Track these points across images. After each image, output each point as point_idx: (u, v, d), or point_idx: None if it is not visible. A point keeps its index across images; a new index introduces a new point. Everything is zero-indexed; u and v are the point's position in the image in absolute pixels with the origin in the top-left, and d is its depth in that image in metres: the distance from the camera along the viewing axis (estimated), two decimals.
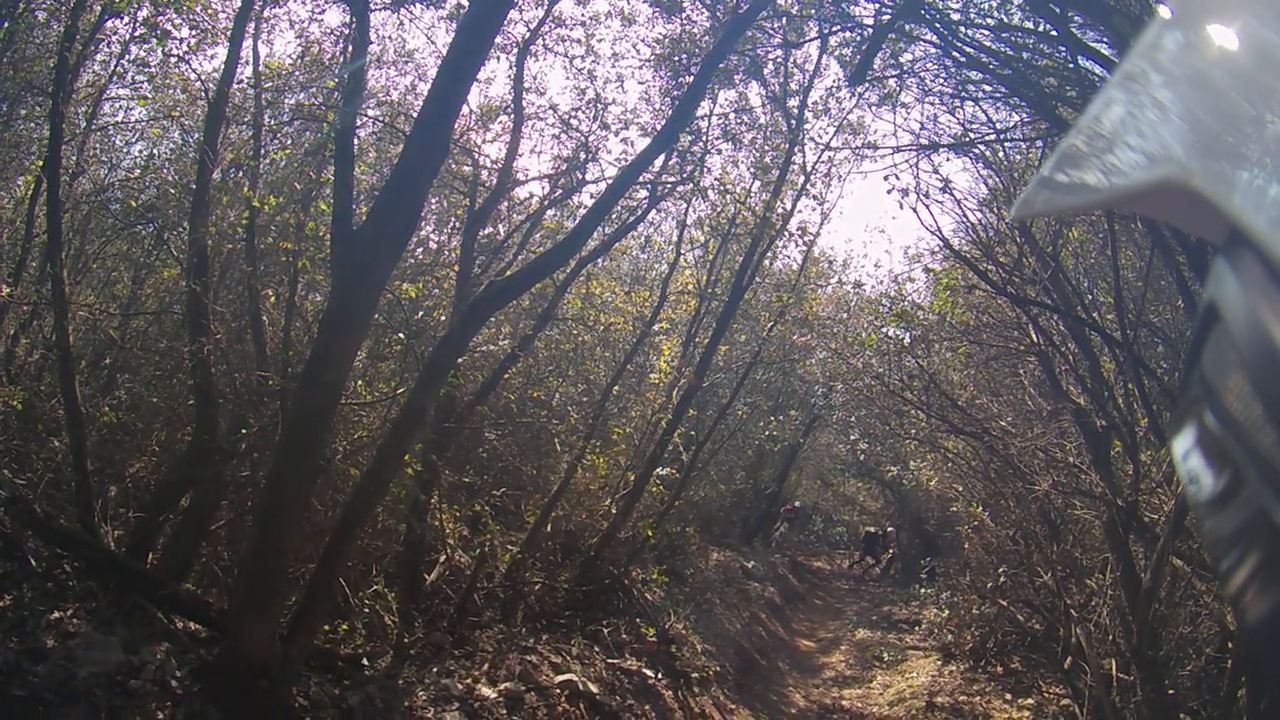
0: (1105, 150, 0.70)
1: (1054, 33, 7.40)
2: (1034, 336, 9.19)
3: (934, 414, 10.73)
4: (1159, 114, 0.67)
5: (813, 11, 10.05)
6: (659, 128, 9.87)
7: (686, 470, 13.78)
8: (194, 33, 8.69)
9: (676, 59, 11.11)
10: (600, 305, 11.61)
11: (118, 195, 10.23)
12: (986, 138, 9.31)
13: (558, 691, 8.11)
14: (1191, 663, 8.13)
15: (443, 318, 9.10)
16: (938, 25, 8.01)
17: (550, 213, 11.29)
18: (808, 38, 10.77)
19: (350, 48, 7.87)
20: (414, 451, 7.58)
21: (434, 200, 11.15)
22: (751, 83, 12.19)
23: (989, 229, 9.73)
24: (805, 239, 14.10)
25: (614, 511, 11.55)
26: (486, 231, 10.51)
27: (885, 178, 8.33)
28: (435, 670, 7.47)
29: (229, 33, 8.13)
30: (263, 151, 8.78)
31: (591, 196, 10.79)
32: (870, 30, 8.95)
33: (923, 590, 19.12)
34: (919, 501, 23.39)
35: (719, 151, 12.40)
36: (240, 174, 8.61)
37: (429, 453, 8.29)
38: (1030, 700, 11.71)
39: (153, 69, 9.72)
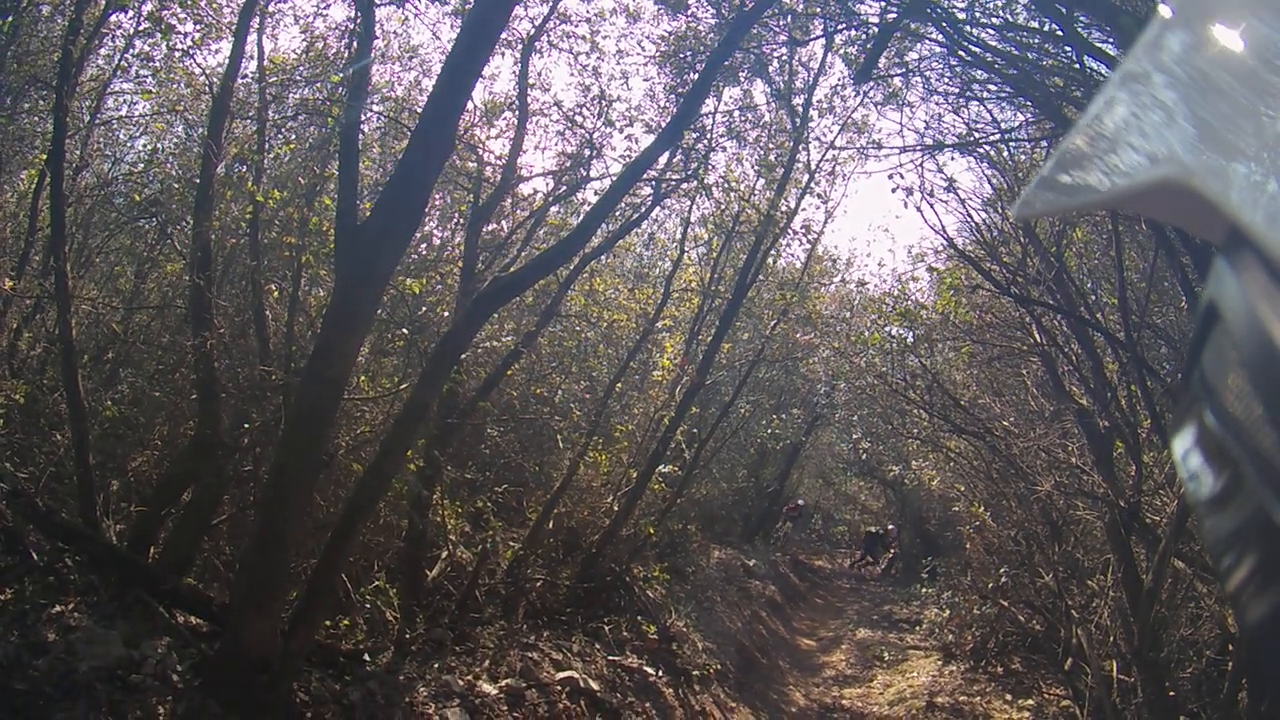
0: (1108, 151, 0.69)
1: (1060, 32, 7.38)
2: (1037, 337, 9.18)
3: (936, 413, 10.74)
4: (1161, 115, 0.66)
5: (818, 9, 10.03)
6: (664, 125, 9.86)
7: (689, 468, 13.78)
8: (198, 27, 8.71)
9: (681, 56, 11.09)
10: (604, 302, 11.60)
11: (121, 189, 10.26)
12: (991, 137, 9.31)
13: (558, 688, 8.11)
14: (1192, 665, 8.13)
15: (446, 313, 9.10)
16: (943, 24, 8.00)
17: (554, 209, 11.28)
18: (813, 36, 10.75)
19: (355, 43, 7.87)
20: (416, 447, 7.59)
21: (438, 196, 11.15)
22: (756, 80, 12.20)
23: (993, 229, 9.73)
24: (809, 237, 14.13)
25: (616, 509, 11.55)
26: (490, 227, 10.49)
27: (890, 176, 8.33)
28: (436, 666, 7.47)
29: (233, 27, 8.14)
30: (267, 146, 8.77)
31: (596, 193, 10.79)
32: (875, 29, 8.94)
33: (924, 590, 19.10)
34: (921, 501, 23.37)
35: (723, 149, 12.42)
36: (244, 169, 8.61)
37: (431, 448, 8.29)
38: (1031, 701, 11.71)
39: (157, 63, 9.74)
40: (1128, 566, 7.90)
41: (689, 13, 10.77)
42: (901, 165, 9.77)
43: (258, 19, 8.38)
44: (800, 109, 12.29)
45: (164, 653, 5.47)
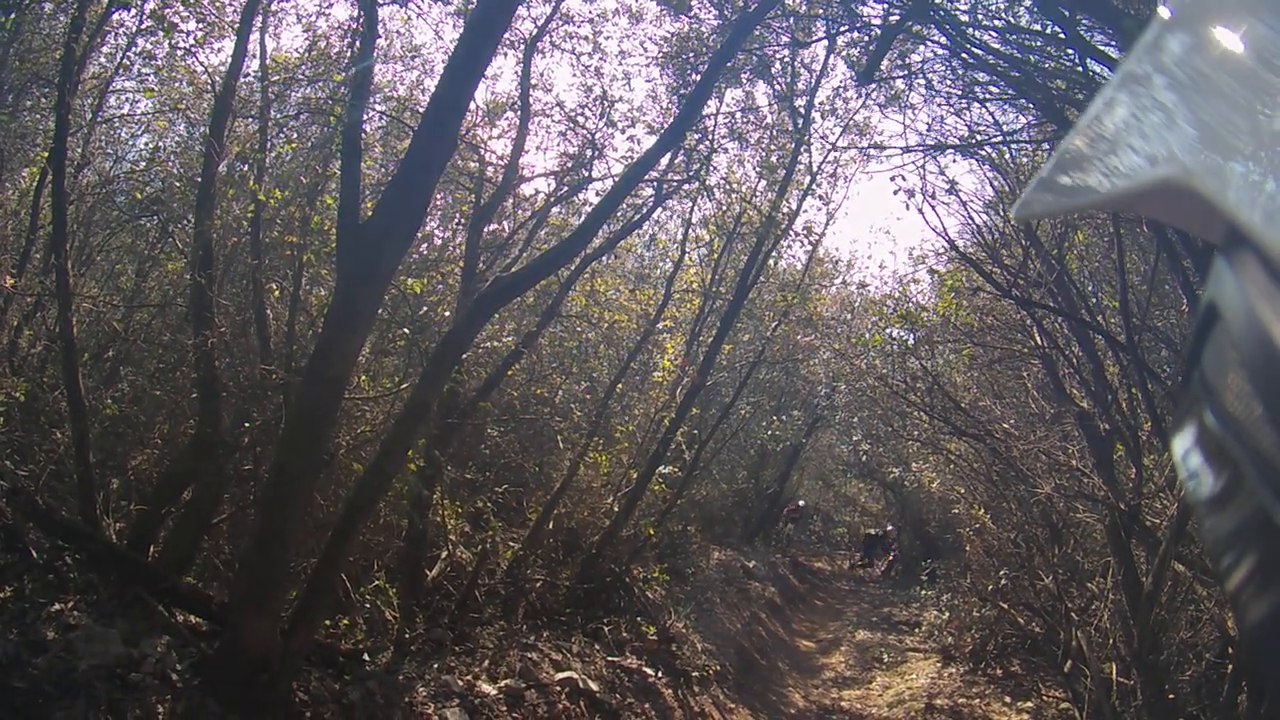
0: (1108, 152, 0.70)
1: (1062, 35, 7.37)
2: (1038, 339, 9.18)
3: (937, 416, 10.73)
4: (1162, 116, 0.66)
5: (820, 11, 10.02)
6: (666, 126, 9.86)
7: (689, 469, 13.78)
8: (201, 26, 8.70)
9: (684, 57, 11.09)
10: (605, 303, 11.59)
11: (123, 187, 10.26)
12: (993, 140, 9.31)
13: (558, 689, 8.11)
14: (1192, 668, 8.13)
15: (447, 313, 9.10)
16: (946, 26, 7.99)
17: (556, 210, 11.28)
18: (815, 37, 10.74)
19: (357, 42, 7.86)
20: (417, 447, 7.59)
21: (439, 196, 11.14)
22: (758, 82, 12.19)
23: (994, 231, 9.73)
24: (810, 239, 14.09)
25: (616, 509, 11.56)
26: (492, 228, 10.49)
27: (891, 178, 8.38)
28: (436, 666, 7.47)
29: (236, 26, 8.14)
30: (269, 145, 8.77)
31: (597, 194, 10.80)
32: (878, 31, 8.93)
33: (923, 592, 19.12)
34: (920, 503, 23.38)
35: (725, 150, 12.39)
36: (246, 167, 8.60)
37: (432, 448, 8.29)
38: (1030, 703, 11.70)
39: (159, 61, 9.74)
40: (1128, 569, 7.90)
41: (691, 14, 10.77)
42: (903, 167, 9.81)
43: (260, 18, 8.38)
44: (802, 110, 12.28)
45: (163, 651, 5.47)
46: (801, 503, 26.60)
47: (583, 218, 9.90)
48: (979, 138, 9.27)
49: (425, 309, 9.13)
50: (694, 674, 10.62)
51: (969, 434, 10.13)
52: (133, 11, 8.61)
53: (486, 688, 7.49)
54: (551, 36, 10.58)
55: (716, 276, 13.51)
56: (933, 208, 8.83)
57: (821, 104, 12.46)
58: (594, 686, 8.63)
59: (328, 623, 6.96)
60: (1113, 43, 6.81)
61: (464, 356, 8.03)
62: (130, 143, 11.36)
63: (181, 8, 8.29)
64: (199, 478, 7.10)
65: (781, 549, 23.03)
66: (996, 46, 8.04)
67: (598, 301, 11.44)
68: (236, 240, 8.67)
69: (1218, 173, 0.59)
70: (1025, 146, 9.43)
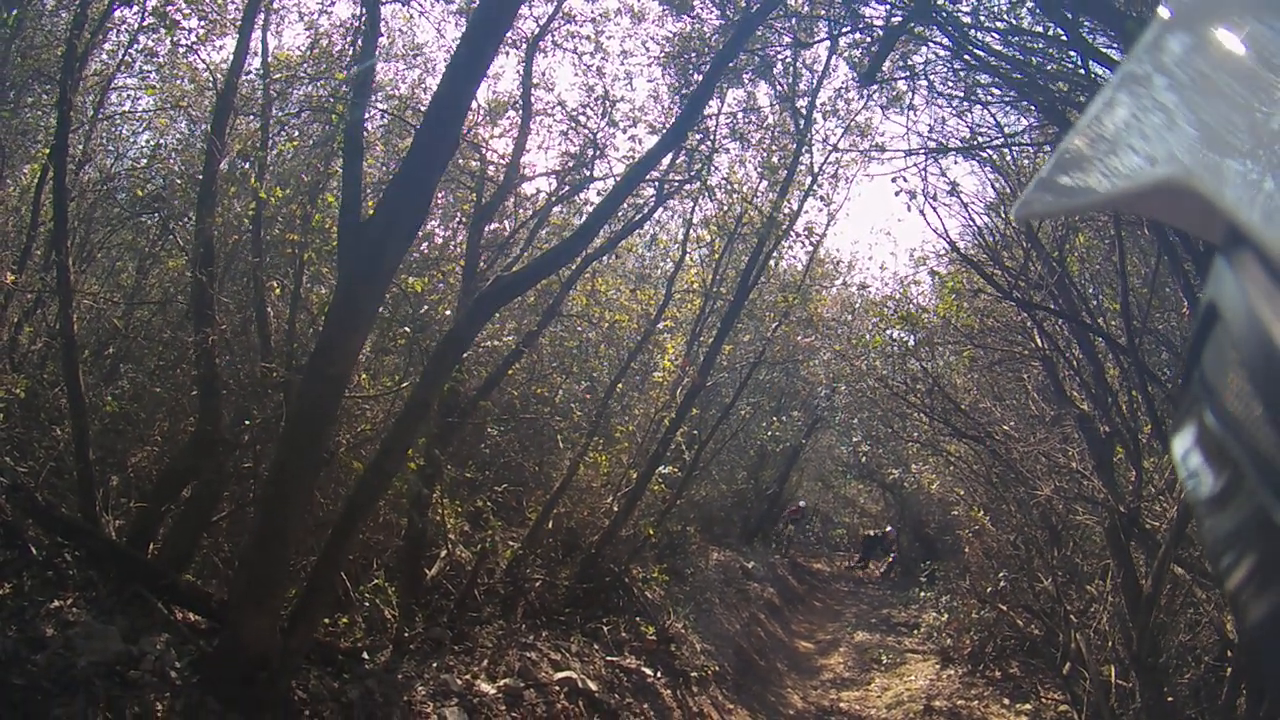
0: (1108, 153, 0.70)
1: (1064, 37, 7.36)
2: (1039, 341, 9.17)
3: (937, 417, 10.73)
4: (1162, 117, 0.66)
5: (823, 12, 10.02)
6: (667, 126, 9.86)
7: (688, 469, 13.78)
8: (203, 23, 8.69)
9: (685, 57, 11.09)
10: (605, 303, 11.58)
11: (124, 184, 10.23)
12: (995, 142, 9.30)
13: (557, 688, 8.11)
14: (1191, 670, 8.13)
15: (448, 312, 9.09)
16: (948, 28, 7.98)
17: (557, 209, 11.28)
18: (817, 38, 10.74)
19: (359, 40, 7.86)
20: (417, 446, 7.58)
21: (441, 195, 11.14)
22: (760, 82, 12.20)
23: (995, 233, 9.73)
24: (811, 240, 14.08)
25: (616, 509, 11.56)
26: (493, 227, 10.49)
27: (893, 179, 8.33)
28: (435, 665, 7.47)
29: (238, 23, 8.14)
30: (270, 143, 8.77)
31: (599, 194, 10.79)
32: (880, 32, 8.93)
33: (922, 594, 19.12)
34: (920, 505, 23.39)
35: (727, 151, 12.39)
36: (247, 165, 8.59)
37: (432, 447, 8.29)
38: (1028, 706, 11.71)
39: (161, 59, 9.73)
40: (1127, 572, 7.90)
41: (693, 14, 10.77)
42: (905, 168, 9.76)
43: (262, 15, 8.37)
44: (804, 111, 12.28)
45: (163, 649, 5.47)
46: (802, 504, 26.59)
47: (584, 217, 9.91)
48: (981, 140, 9.27)
49: (426, 308, 9.13)
50: (693, 674, 10.63)
51: (969, 436, 10.13)
52: (135, 8, 8.60)
53: (485, 687, 7.48)
54: (553, 36, 10.60)
55: (717, 277, 13.51)
56: (934, 209, 8.86)
57: (823, 105, 12.49)
58: (593, 686, 8.63)
59: (327, 621, 6.96)
60: (1115, 45, 6.80)
61: (464, 355, 8.03)
62: (132, 140, 11.35)
63: (183, 5, 8.28)
64: (199, 475, 7.09)
65: (781, 550, 23.04)
66: (999, 48, 8.04)
67: (598, 301, 11.44)
68: (238, 238, 8.66)
69: (1216, 171, 0.59)
70: (1027, 149, 9.43)
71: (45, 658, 4.88)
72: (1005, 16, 8.24)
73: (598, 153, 10.89)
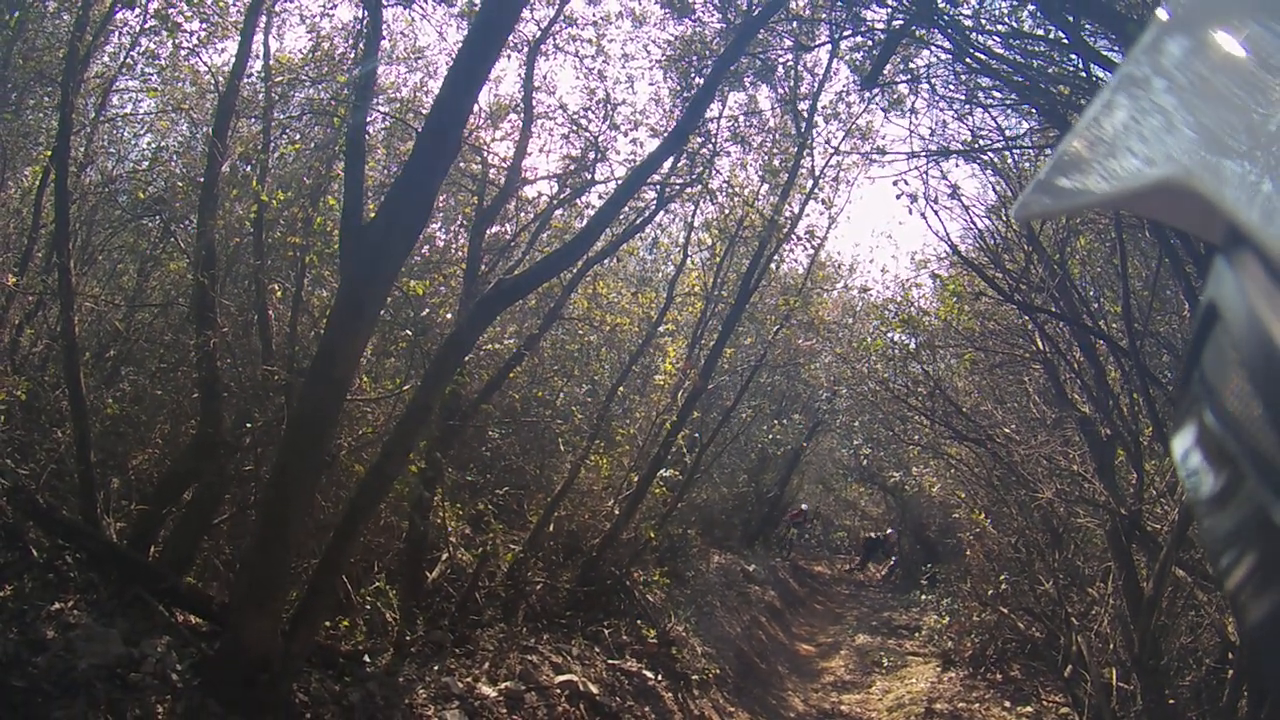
0: (1107, 155, 0.70)
1: (1066, 40, 7.36)
2: (1040, 344, 9.17)
3: (938, 420, 10.73)
4: (1161, 119, 0.66)
5: (824, 15, 10.03)
6: (669, 129, 9.86)
7: (690, 472, 13.79)
8: (204, 26, 8.71)
9: (687, 60, 11.09)
10: (606, 306, 11.59)
11: (125, 187, 10.24)
12: (996, 145, 9.29)
13: (558, 691, 8.11)
14: (1192, 673, 8.12)
15: (449, 315, 9.09)
16: (950, 31, 7.98)
17: (559, 212, 11.28)
18: (819, 42, 10.74)
19: (362, 44, 7.87)
20: (418, 449, 7.58)
21: (442, 198, 11.14)
22: (761, 85, 12.19)
23: (997, 235, 9.72)
24: (812, 243, 14.08)
25: (617, 512, 11.56)
26: (494, 230, 10.50)
27: (894, 183, 8.32)
28: (436, 668, 7.47)
29: (239, 26, 8.14)
30: (272, 146, 8.77)
31: (600, 197, 10.79)
32: (882, 35, 8.93)
33: (923, 596, 19.10)
34: (921, 507, 23.34)
35: (728, 154, 12.39)
36: (249, 168, 8.59)
37: (433, 450, 8.29)
38: (1030, 708, 11.69)
39: (163, 61, 9.73)
40: (1128, 574, 7.89)
41: (695, 17, 10.77)
42: (906, 171, 9.72)
43: (264, 18, 8.38)
44: (805, 114, 12.28)
45: (163, 651, 5.47)
46: (805, 507, 26.53)
47: (585, 221, 9.91)
48: (982, 143, 9.26)
49: (427, 311, 9.13)
50: (694, 677, 10.62)
51: (970, 438, 10.13)
52: (136, 11, 8.61)
53: (486, 690, 7.48)
54: (555, 39, 10.59)
55: (718, 280, 13.52)
56: (935, 212, 8.82)
57: (824, 108, 12.47)
58: (594, 689, 8.62)
59: (328, 624, 6.96)
60: (1116, 48, 6.79)
61: (466, 359, 8.03)
62: (133, 142, 11.36)
63: (185, 7, 8.30)
64: (200, 478, 7.09)
65: (783, 553, 23.02)
66: (1000, 52, 8.03)
67: (600, 304, 11.44)
68: (239, 241, 8.67)
69: (1215, 171, 0.59)
70: (1028, 151, 9.42)
71: (46, 660, 4.88)
72: (1007, 20, 8.24)
73: (599, 156, 10.90)
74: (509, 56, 10.42)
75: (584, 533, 11.56)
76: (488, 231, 10.07)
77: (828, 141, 12.98)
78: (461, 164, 10.11)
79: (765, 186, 13.03)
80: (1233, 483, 0.57)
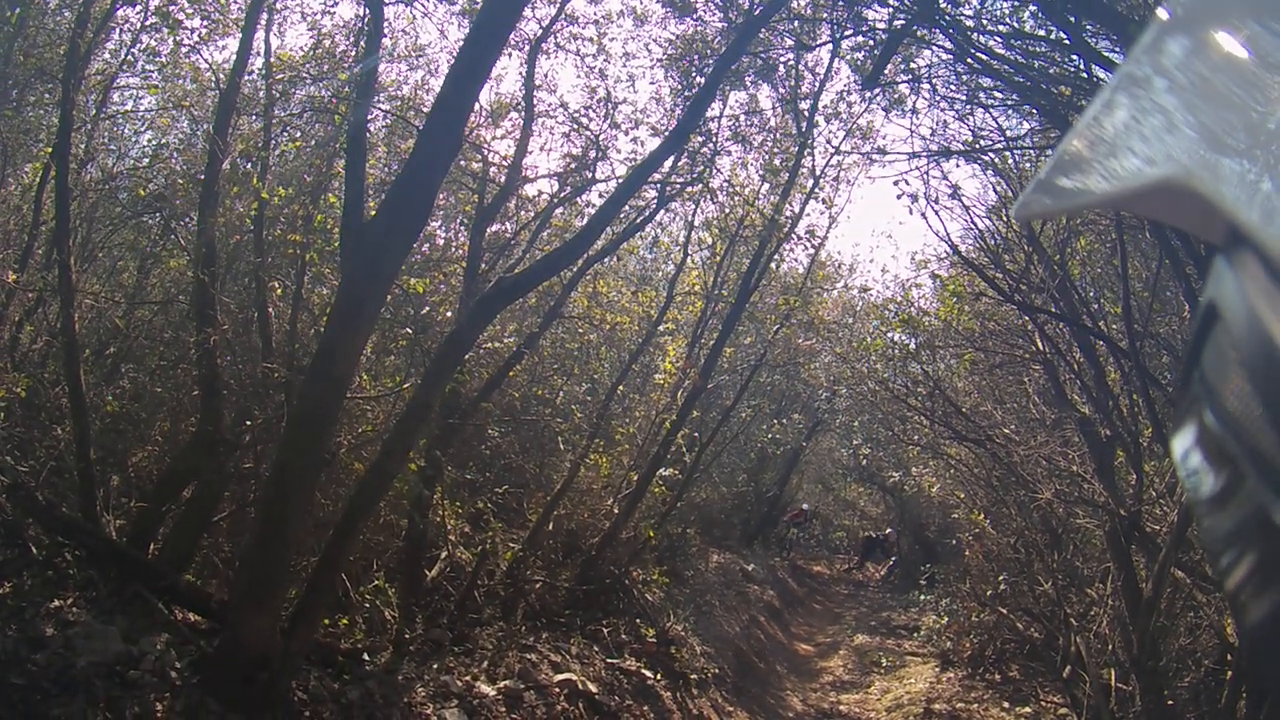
0: (1107, 155, 0.70)
1: (1067, 41, 7.36)
2: (1040, 344, 9.17)
3: (937, 420, 10.72)
4: (1162, 119, 0.66)
5: (825, 15, 10.02)
6: (669, 128, 9.86)
7: (689, 471, 13.78)
8: (205, 23, 8.71)
9: (688, 60, 11.09)
10: (607, 305, 11.58)
11: (126, 184, 10.22)
12: (997, 145, 9.29)
13: (557, 690, 8.11)
14: (1191, 674, 8.12)
15: (449, 314, 9.09)
16: (951, 31, 7.97)
17: (559, 211, 11.27)
18: (820, 41, 10.74)
19: (363, 41, 7.87)
20: (418, 447, 7.58)
21: (443, 196, 11.11)
22: (762, 85, 12.19)
23: (997, 236, 9.71)
24: (813, 242, 14.08)
25: (616, 511, 11.56)
26: (495, 228, 10.49)
27: (895, 183, 8.32)
28: (435, 667, 7.47)
29: (240, 23, 8.15)
30: (273, 143, 8.77)
31: (601, 195, 10.78)
32: (883, 35, 8.93)
33: (922, 596, 19.11)
34: (920, 507, 23.33)
35: (728, 153, 12.39)
36: (250, 165, 8.59)
37: (433, 448, 8.29)
38: (1028, 709, 11.70)
39: (163, 58, 9.72)
40: (1127, 575, 7.89)
41: (696, 16, 10.77)
42: (907, 171, 9.70)
43: (265, 15, 8.37)
44: (806, 114, 12.28)
45: (163, 649, 5.47)
46: (805, 507, 26.51)
47: (586, 219, 9.91)
48: (983, 143, 9.26)
49: (428, 309, 9.12)
50: (692, 677, 10.62)
51: (969, 439, 10.12)
52: (137, 7, 8.62)
53: (485, 688, 7.49)
54: (556, 37, 10.59)
55: (718, 279, 13.51)
56: (935, 212, 8.80)
57: (825, 108, 12.47)
58: (593, 688, 8.63)
59: (327, 622, 6.95)
60: (1117, 49, 6.79)
61: (466, 357, 8.03)
62: (134, 139, 11.36)
63: (186, 4, 8.30)
64: (200, 475, 7.09)
65: (783, 553, 23.02)
66: (1001, 52, 8.03)
67: (600, 303, 11.43)
68: (239, 238, 8.66)
69: (1215, 171, 0.59)
70: (1029, 152, 9.41)
71: (45, 657, 4.88)
72: (1008, 20, 8.24)
73: (600, 155, 10.88)
74: (510, 55, 10.43)
75: (583, 531, 11.56)
76: (488, 230, 10.06)
77: (828, 141, 12.98)
78: (462, 162, 10.10)
79: (766, 186, 13.03)
80: (1233, 483, 0.57)
